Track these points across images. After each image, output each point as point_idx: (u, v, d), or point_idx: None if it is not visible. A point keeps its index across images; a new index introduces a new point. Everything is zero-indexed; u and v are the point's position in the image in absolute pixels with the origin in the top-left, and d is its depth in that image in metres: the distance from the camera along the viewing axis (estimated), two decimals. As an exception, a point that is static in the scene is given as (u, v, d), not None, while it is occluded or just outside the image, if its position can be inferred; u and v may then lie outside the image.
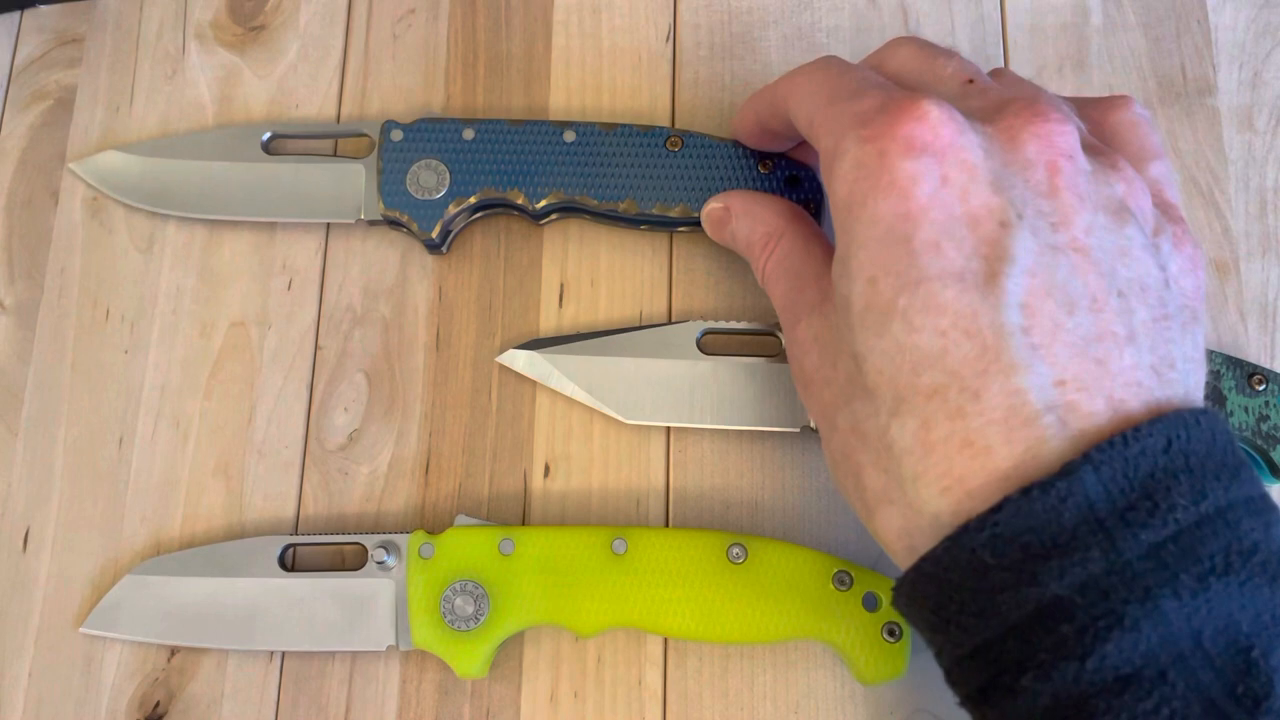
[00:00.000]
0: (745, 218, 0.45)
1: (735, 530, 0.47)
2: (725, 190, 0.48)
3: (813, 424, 0.46)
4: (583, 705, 0.46)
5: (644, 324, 0.50)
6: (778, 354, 0.48)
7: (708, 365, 0.48)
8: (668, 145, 0.49)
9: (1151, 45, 0.53)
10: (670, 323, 0.49)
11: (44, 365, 0.51)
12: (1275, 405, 0.45)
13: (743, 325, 0.48)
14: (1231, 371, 0.46)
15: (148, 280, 0.52)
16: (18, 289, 0.52)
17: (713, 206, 0.47)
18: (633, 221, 0.50)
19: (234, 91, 0.54)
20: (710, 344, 0.49)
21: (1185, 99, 0.52)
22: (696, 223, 0.50)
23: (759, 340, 0.49)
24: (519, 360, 0.49)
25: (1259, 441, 0.45)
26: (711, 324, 0.49)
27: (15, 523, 0.49)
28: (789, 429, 0.47)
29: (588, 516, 0.48)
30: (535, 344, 0.49)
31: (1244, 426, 0.45)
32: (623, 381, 0.48)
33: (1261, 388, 0.45)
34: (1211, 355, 0.46)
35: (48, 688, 0.47)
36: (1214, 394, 0.45)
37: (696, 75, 0.53)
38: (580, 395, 0.48)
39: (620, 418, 0.48)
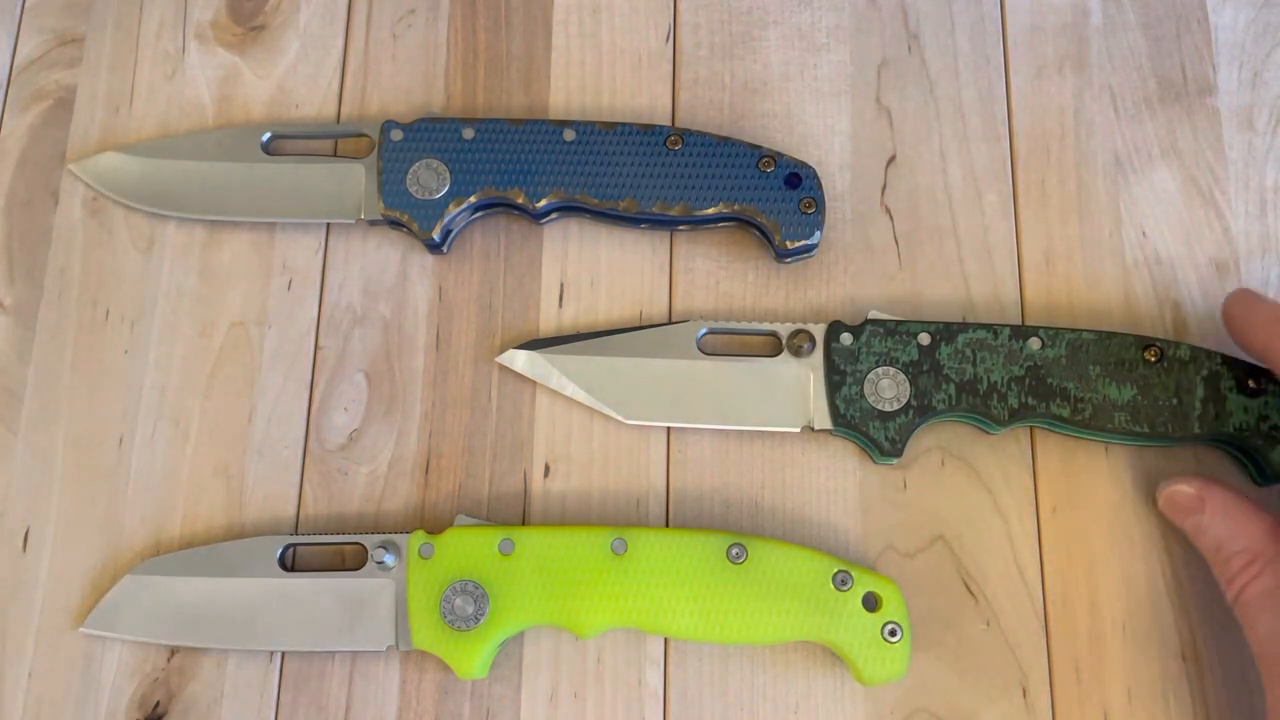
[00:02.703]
0: (1224, 521, 0.42)
1: (735, 530, 0.47)
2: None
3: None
4: (583, 705, 0.46)
5: (644, 324, 0.50)
6: (777, 354, 0.48)
7: (708, 365, 0.48)
8: (668, 144, 0.49)
9: (1151, 45, 0.53)
10: (671, 322, 0.49)
11: (44, 365, 0.51)
12: (1274, 406, 0.45)
13: (744, 325, 0.48)
14: (1231, 372, 0.46)
15: (148, 280, 0.52)
16: (18, 289, 0.52)
17: (1182, 490, 0.43)
18: (633, 220, 0.50)
19: (234, 91, 0.54)
20: (710, 344, 0.49)
21: (1185, 99, 0.52)
22: (697, 221, 0.50)
23: (760, 340, 0.49)
24: (519, 360, 0.49)
25: (1258, 442, 0.45)
26: (712, 324, 0.48)
27: (15, 523, 0.49)
28: (789, 429, 0.47)
29: (588, 516, 0.48)
30: (535, 344, 0.49)
31: (1243, 427, 0.45)
32: (622, 381, 0.48)
33: (1260, 389, 0.45)
34: (1210, 355, 0.46)
35: (48, 688, 0.47)
36: (1214, 394, 0.45)
37: (696, 75, 0.53)
38: (580, 395, 0.48)
39: (620, 418, 0.48)
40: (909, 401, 0.46)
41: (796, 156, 0.51)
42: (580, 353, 0.48)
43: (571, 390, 0.48)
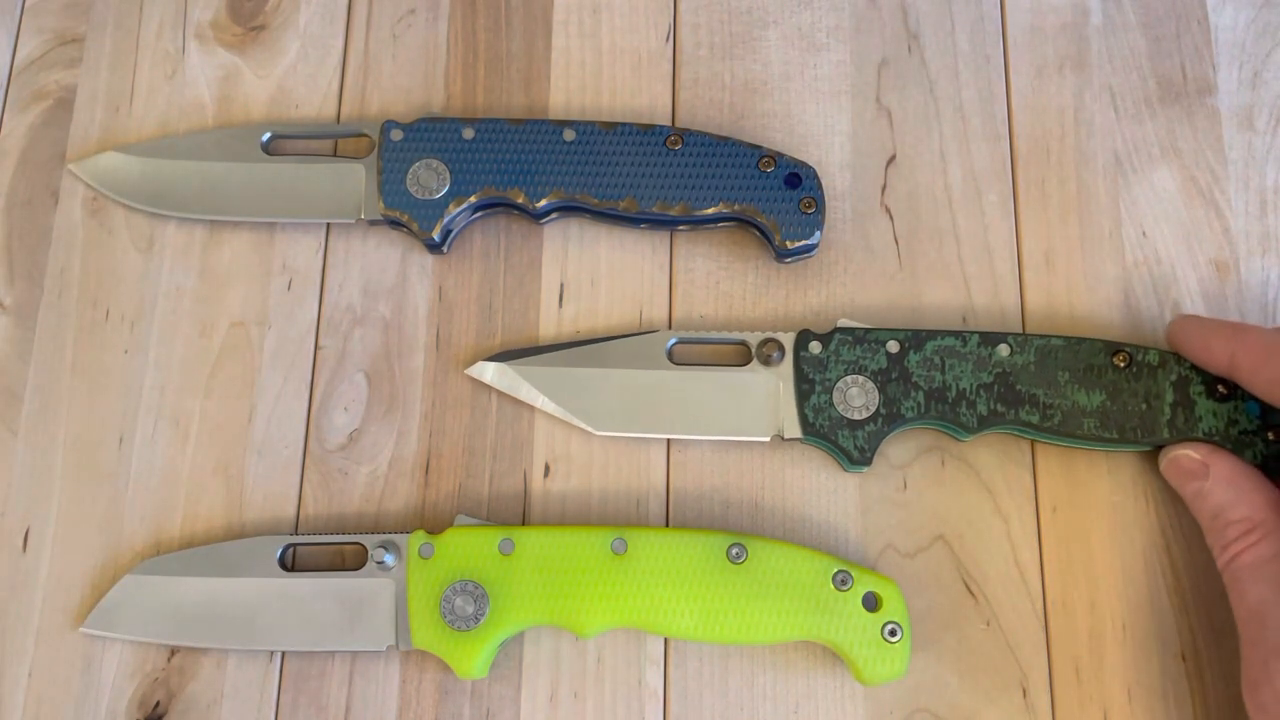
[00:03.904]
0: (1227, 488, 0.42)
1: (735, 530, 0.47)
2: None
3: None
4: (583, 705, 0.46)
5: (615, 334, 0.49)
6: (747, 363, 0.48)
7: (677, 375, 0.48)
8: (668, 144, 0.49)
9: (1151, 45, 0.53)
10: (640, 333, 0.49)
11: (44, 365, 0.51)
12: (1243, 410, 0.45)
13: (713, 335, 0.48)
14: (1200, 376, 0.45)
15: (148, 280, 0.52)
16: (18, 289, 0.52)
17: (1188, 454, 0.44)
18: (633, 220, 0.50)
19: (234, 91, 0.54)
20: (681, 354, 0.49)
21: (1185, 99, 0.52)
22: (697, 221, 0.50)
23: (729, 350, 0.49)
24: (487, 372, 0.48)
25: (1228, 446, 0.44)
26: (682, 334, 0.48)
27: (15, 523, 0.49)
28: (759, 438, 0.47)
29: (588, 516, 0.48)
30: (503, 356, 0.49)
31: (1213, 432, 0.45)
32: (592, 392, 0.48)
33: (1230, 393, 0.45)
34: (1180, 360, 0.46)
35: (48, 688, 0.47)
36: (1183, 399, 0.45)
37: (696, 75, 0.53)
38: (549, 406, 0.48)
39: (590, 429, 0.47)
40: (878, 410, 0.46)
41: (796, 156, 0.51)
42: (549, 364, 0.48)
43: (541, 402, 0.48)
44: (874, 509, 0.47)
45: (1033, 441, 0.48)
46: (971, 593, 0.46)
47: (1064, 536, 0.47)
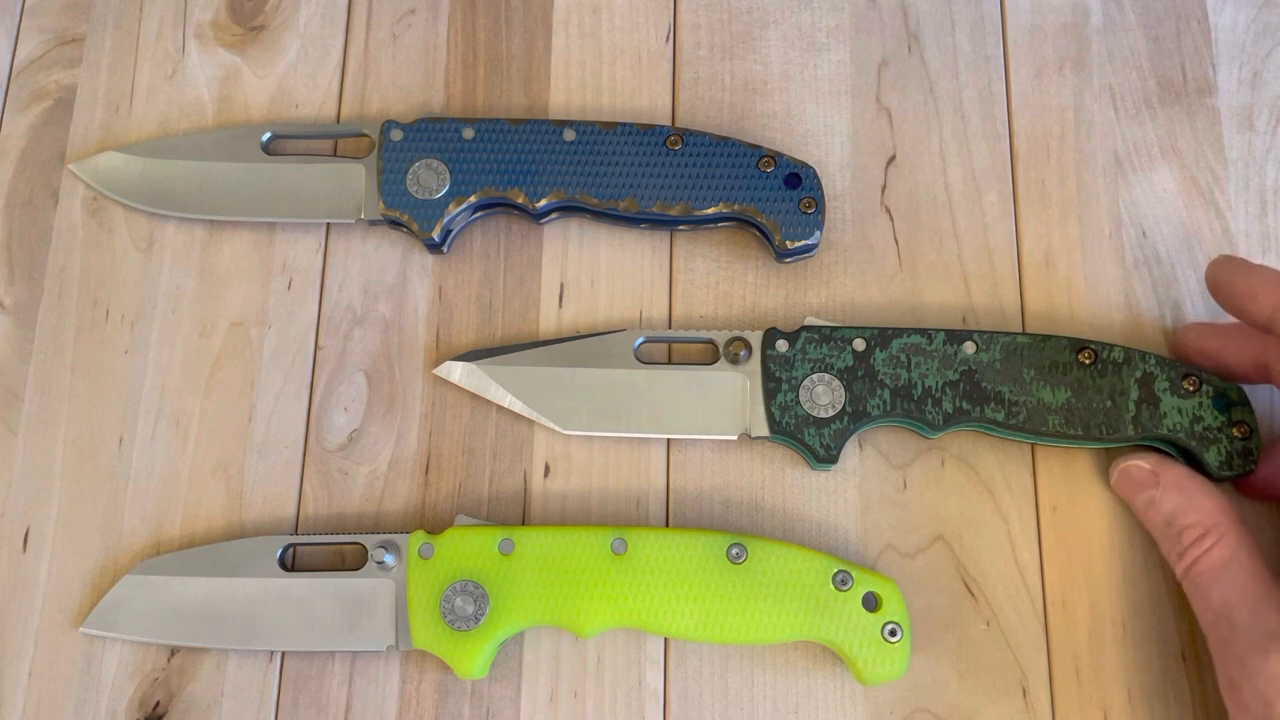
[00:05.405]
0: (1178, 495, 0.42)
1: (735, 530, 0.47)
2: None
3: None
4: (583, 705, 0.46)
5: (582, 333, 0.49)
6: (714, 362, 0.48)
7: (645, 374, 0.48)
8: (668, 144, 0.49)
9: (1151, 45, 0.53)
10: (607, 332, 0.49)
11: (44, 365, 0.51)
12: (1208, 407, 0.45)
13: (681, 334, 0.48)
14: (1165, 373, 0.45)
15: (148, 280, 0.52)
16: (18, 289, 0.52)
17: (1138, 465, 0.44)
18: (633, 220, 0.50)
19: (234, 91, 0.54)
20: (648, 353, 0.49)
21: (1185, 99, 0.52)
22: (697, 221, 0.50)
23: (697, 349, 0.49)
24: (455, 372, 0.48)
25: (1192, 443, 0.44)
26: (649, 333, 0.48)
27: (15, 523, 0.49)
28: (726, 437, 0.47)
29: (588, 516, 0.48)
30: (471, 355, 0.49)
31: (1177, 428, 0.45)
32: (560, 391, 0.48)
33: (1195, 389, 0.45)
34: (1144, 357, 0.46)
35: (48, 688, 0.47)
36: (1148, 396, 0.45)
37: (696, 75, 0.53)
38: (517, 406, 0.48)
39: (557, 428, 0.47)
40: (844, 408, 0.46)
41: (796, 156, 0.51)
42: (517, 363, 0.48)
43: (509, 401, 0.48)
44: (874, 509, 0.47)
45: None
46: (971, 593, 0.46)
47: (1064, 536, 0.47)
